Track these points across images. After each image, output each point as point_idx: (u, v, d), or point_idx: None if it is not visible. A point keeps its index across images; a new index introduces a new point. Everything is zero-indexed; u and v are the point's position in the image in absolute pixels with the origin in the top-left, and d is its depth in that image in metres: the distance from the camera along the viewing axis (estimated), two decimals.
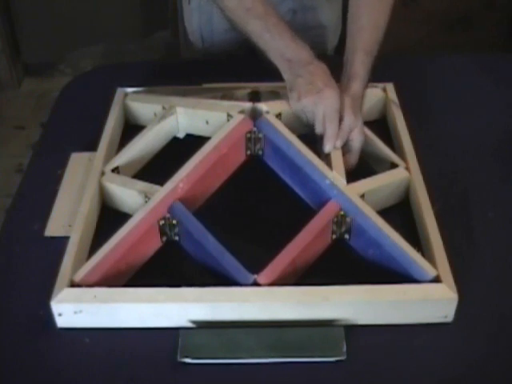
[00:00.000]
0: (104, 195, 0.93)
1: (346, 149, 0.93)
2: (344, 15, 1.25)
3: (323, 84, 0.91)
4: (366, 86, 0.98)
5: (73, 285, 0.78)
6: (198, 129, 1.01)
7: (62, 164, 1.00)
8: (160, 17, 2.53)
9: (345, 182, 0.88)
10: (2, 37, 2.45)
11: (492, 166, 1.03)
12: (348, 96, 0.93)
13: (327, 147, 0.91)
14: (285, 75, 0.95)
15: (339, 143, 0.92)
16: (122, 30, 2.56)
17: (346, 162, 0.91)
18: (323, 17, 1.36)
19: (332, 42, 1.42)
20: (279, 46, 0.94)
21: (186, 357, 0.73)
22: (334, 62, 0.97)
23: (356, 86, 0.96)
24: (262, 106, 0.97)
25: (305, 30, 1.18)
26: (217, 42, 1.37)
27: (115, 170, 0.94)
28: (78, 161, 1.01)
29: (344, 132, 0.92)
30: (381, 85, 1.10)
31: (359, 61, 0.97)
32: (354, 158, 0.94)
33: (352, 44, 0.99)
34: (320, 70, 0.93)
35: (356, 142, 0.93)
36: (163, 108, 1.02)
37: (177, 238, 0.85)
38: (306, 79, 0.92)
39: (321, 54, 0.97)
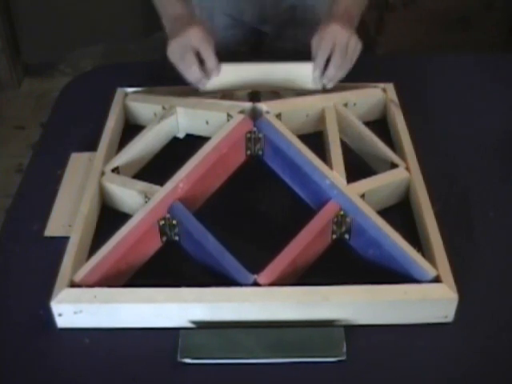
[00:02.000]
0: (104, 195, 0.92)
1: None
2: None
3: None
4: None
5: (73, 285, 0.78)
6: (198, 129, 1.01)
7: (62, 164, 1.00)
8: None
9: (345, 182, 0.88)
10: (2, 37, 2.45)
11: (492, 165, 1.03)
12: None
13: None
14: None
15: None
16: (122, 30, 2.56)
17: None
18: (323, 14, 1.36)
19: None
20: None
21: (186, 357, 0.73)
22: None
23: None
24: (262, 106, 0.97)
25: (305, 27, 1.18)
26: (218, 39, 1.37)
27: (115, 170, 0.94)
28: (77, 161, 1.01)
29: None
30: (381, 85, 1.10)
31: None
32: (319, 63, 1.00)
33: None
34: None
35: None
36: (163, 108, 1.02)
37: (177, 238, 0.85)
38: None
39: None
